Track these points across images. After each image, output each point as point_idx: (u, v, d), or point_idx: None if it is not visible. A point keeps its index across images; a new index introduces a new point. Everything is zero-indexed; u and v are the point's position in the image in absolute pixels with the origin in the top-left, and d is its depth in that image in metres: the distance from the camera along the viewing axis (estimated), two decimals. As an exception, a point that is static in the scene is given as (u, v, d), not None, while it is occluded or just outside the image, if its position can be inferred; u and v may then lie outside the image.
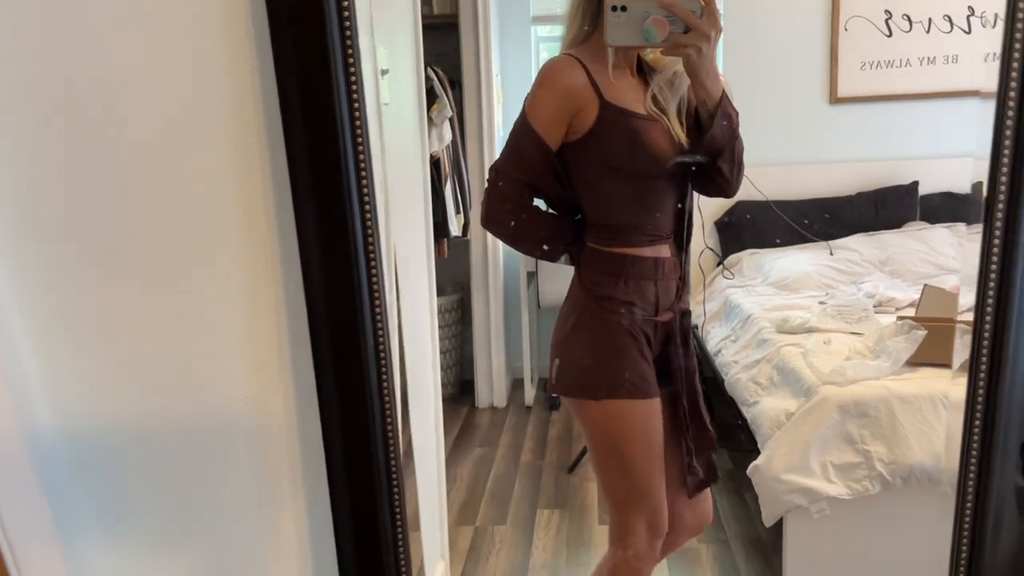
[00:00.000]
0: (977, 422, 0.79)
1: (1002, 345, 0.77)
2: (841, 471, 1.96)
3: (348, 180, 0.86)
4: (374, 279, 0.91)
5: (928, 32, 3.36)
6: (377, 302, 0.92)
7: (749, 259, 3.46)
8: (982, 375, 0.77)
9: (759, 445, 2.15)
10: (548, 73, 1.35)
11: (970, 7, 3.31)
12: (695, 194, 1.48)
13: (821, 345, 2.27)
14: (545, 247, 1.44)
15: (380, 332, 0.96)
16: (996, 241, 0.77)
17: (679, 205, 1.44)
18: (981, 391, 0.78)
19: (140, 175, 1.02)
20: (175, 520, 1.17)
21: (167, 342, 1.08)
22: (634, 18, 1.22)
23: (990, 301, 0.79)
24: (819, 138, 3.54)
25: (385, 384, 1.01)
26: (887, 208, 3.41)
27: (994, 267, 0.78)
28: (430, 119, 2.95)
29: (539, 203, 1.47)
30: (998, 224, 0.77)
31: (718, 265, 3.50)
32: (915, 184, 3.42)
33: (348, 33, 0.81)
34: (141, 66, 0.98)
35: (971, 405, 0.81)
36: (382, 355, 0.96)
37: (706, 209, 1.68)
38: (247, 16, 0.95)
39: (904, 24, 3.38)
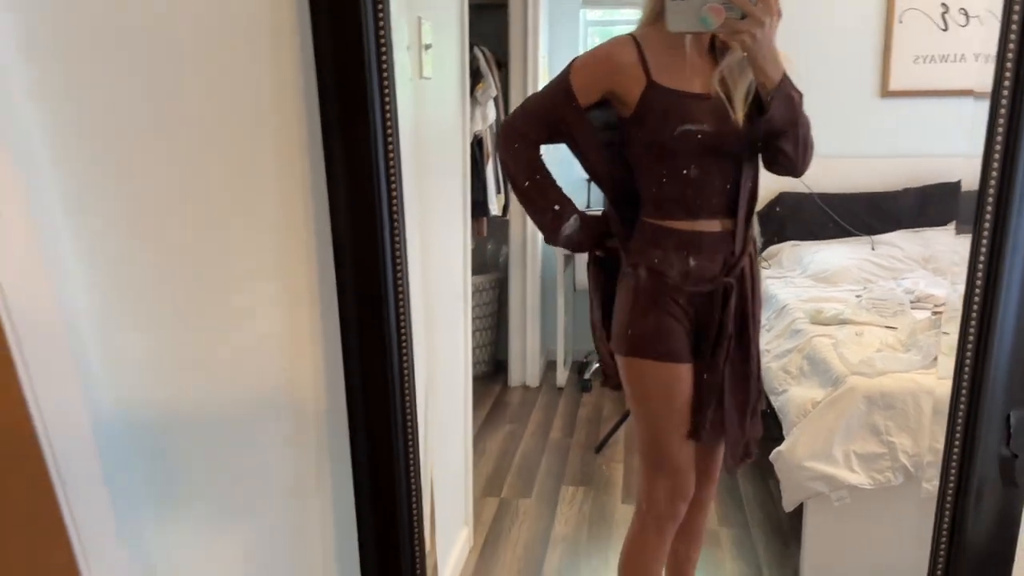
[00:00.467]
0: (963, 392, 0.81)
1: (990, 317, 0.79)
2: (864, 461, 1.96)
3: (376, 148, 0.90)
4: (397, 246, 0.96)
5: (984, 26, 3.29)
6: (399, 258, 0.96)
7: (789, 251, 3.44)
8: (969, 348, 0.79)
9: (784, 432, 2.16)
10: (602, 44, 1.49)
11: (1031, 2, 3.22)
12: (755, 175, 1.50)
13: (853, 336, 2.26)
14: (556, 207, 1.52)
15: (401, 302, 1.00)
16: (985, 234, 0.79)
17: (729, 183, 1.46)
18: (968, 362, 0.79)
19: (189, 149, 1.08)
20: (218, 497, 1.24)
21: (210, 324, 1.15)
22: (692, 5, 1.29)
23: (979, 276, 0.80)
24: (867, 132, 3.49)
25: (405, 358, 1.06)
26: (933, 205, 3.36)
27: (982, 257, 0.80)
28: (475, 98, 2.99)
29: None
30: (987, 221, 0.78)
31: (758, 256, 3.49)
32: (960, 182, 3.35)
33: (380, 5, 0.85)
34: (194, 37, 1.03)
35: (958, 375, 0.82)
36: (403, 328, 1.01)
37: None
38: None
39: (961, 18, 3.31)
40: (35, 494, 1.05)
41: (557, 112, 1.48)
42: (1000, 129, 0.79)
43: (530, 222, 3.57)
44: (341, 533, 1.27)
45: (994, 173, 0.79)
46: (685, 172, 1.44)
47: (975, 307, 0.81)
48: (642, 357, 1.51)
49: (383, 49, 0.87)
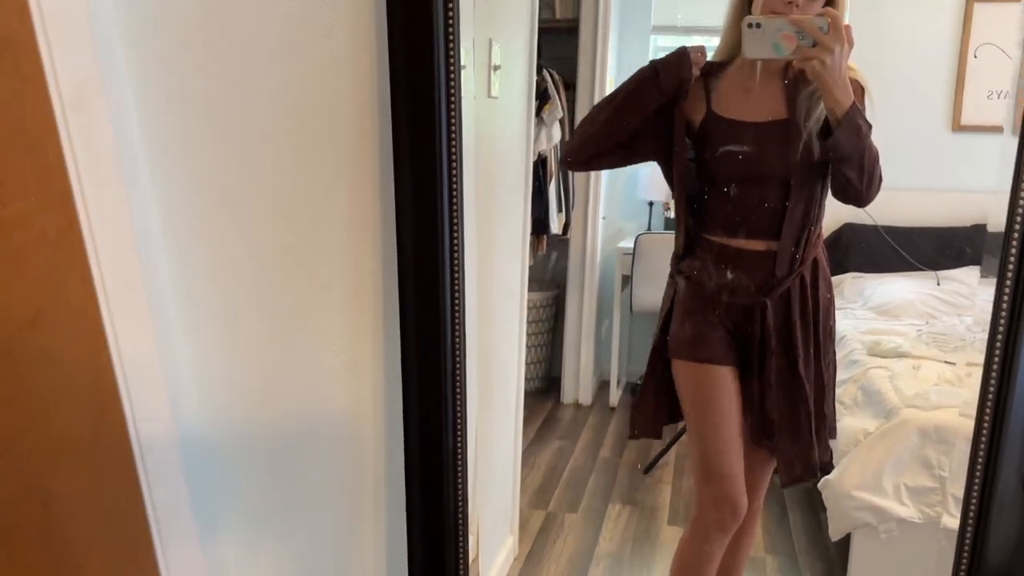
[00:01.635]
0: (986, 421, 0.83)
1: (1014, 350, 0.81)
2: (914, 494, 1.94)
3: (440, 160, 0.97)
4: (456, 254, 1.03)
5: (1060, 63, 3.22)
6: (457, 277, 1.02)
7: (851, 283, 3.41)
8: (993, 379, 0.80)
9: (834, 461, 2.15)
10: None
11: (1114, 39, 3.15)
12: (809, 200, 1.52)
13: (910, 370, 2.24)
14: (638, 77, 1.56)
15: (457, 314, 1.07)
16: (1009, 274, 0.81)
17: (775, 205, 1.51)
18: (991, 392, 0.81)
19: (267, 162, 1.16)
20: (272, 515, 1.32)
21: (279, 342, 1.23)
22: (767, 33, 1.36)
23: (1004, 311, 0.82)
24: (937, 165, 3.45)
25: (458, 373, 1.12)
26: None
27: (1007, 297, 0.82)
28: (541, 118, 3.06)
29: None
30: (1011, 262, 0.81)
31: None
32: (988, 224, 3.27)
33: (451, 28, 0.92)
34: (278, 53, 1.12)
35: (982, 404, 0.84)
36: (457, 356, 1.09)
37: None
38: (371, 14, 1.07)
39: (1039, 53, 3.25)
40: (124, 497, 1.12)
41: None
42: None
43: (590, 240, 3.63)
44: (391, 538, 1.34)
45: (1020, 211, 0.81)
46: (726, 190, 1.52)
47: (998, 344, 0.83)
48: (681, 359, 1.61)
49: (451, 69, 0.94)
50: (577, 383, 3.75)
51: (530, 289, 3.88)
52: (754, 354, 1.57)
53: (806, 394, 1.57)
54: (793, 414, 1.58)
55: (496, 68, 1.77)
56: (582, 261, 3.66)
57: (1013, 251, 0.82)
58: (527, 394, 3.80)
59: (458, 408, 1.19)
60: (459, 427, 1.20)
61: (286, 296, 1.21)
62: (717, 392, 1.56)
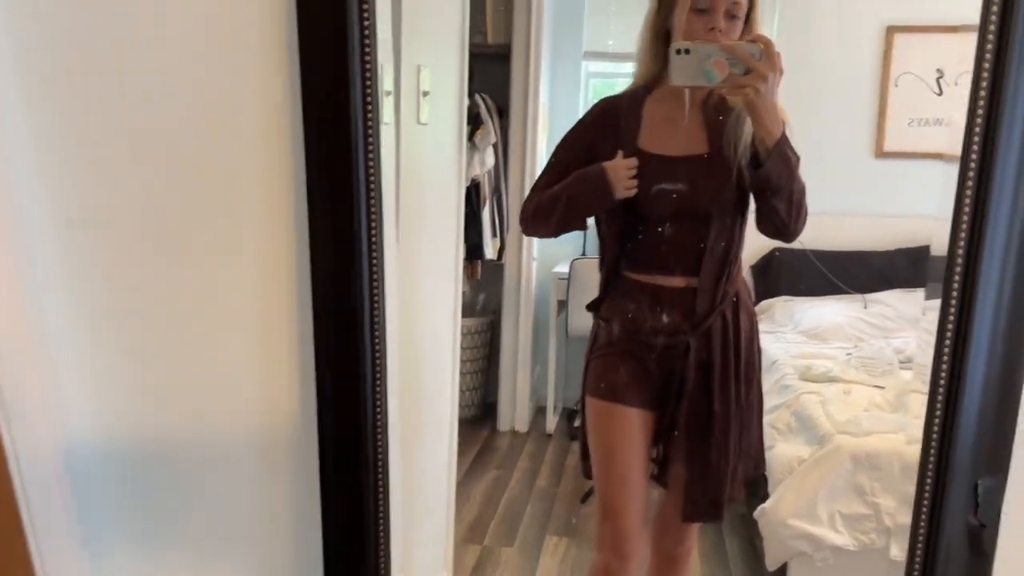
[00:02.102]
0: (931, 462, 0.81)
1: (959, 382, 0.79)
2: (849, 521, 1.94)
3: (358, 189, 0.91)
4: (375, 277, 0.97)
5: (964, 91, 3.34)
6: (377, 300, 0.96)
7: (782, 306, 3.45)
8: (937, 416, 0.79)
9: (769, 489, 2.14)
10: (587, 115, 1.57)
11: (1023, 71, 3.28)
12: (730, 237, 1.48)
13: (841, 395, 2.26)
14: (575, 180, 1.51)
15: (378, 345, 1.00)
16: (953, 300, 0.80)
17: (701, 242, 1.47)
18: (935, 432, 0.79)
19: (174, 172, 1.09)
20: (184, 532, 1.23)
21: (185, 351, 1.15)
22: (696, 60, 1.29)
23: (947, 344, 0.81)
24: (862, 191, 3.53)
25: (379, 410, 1.06)
26: (925, 265, 3.37)
27: (951, 317, 0.80)
28: (473, 143, 3.03)
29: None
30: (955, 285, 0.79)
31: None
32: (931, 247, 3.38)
33: (367, 50, 0.87)
34: (181, 66, 1.05)
35: (926, 443, 0.82)
36: (378, 375, 1.02)
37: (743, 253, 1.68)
38: (284, 31, 1.02)
39: (955, 84, 3.37)
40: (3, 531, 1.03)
41: (551, 179, 1.56)
42: (968, 192, 0.80)
43: (525, 266, 3.60)
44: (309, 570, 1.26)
45: (963, 235, 0.80)
46: (658, 228, 1.48)
47: (943, 375, 0.81)
48: (589, 395, 1.59)
49: (368, 96, 0.88)
50: (513, 410, 3.70)
51: (465, 315, 3.82)
52: (672, 394, 1.52)
53: (719, 435, 1.52)
54: (704, 453, 1.52)
55: (425, 94, 1.72)
56: (517, 286, 3.62)
57: (957, 277, 0.80)
58: (463, 422, 3.72)
59: (379, 446, 1.11)
60: (380, 469, 1.13)
61: (191, 323, 1.13)
62: (619, 434, 1.52)
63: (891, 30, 3.39)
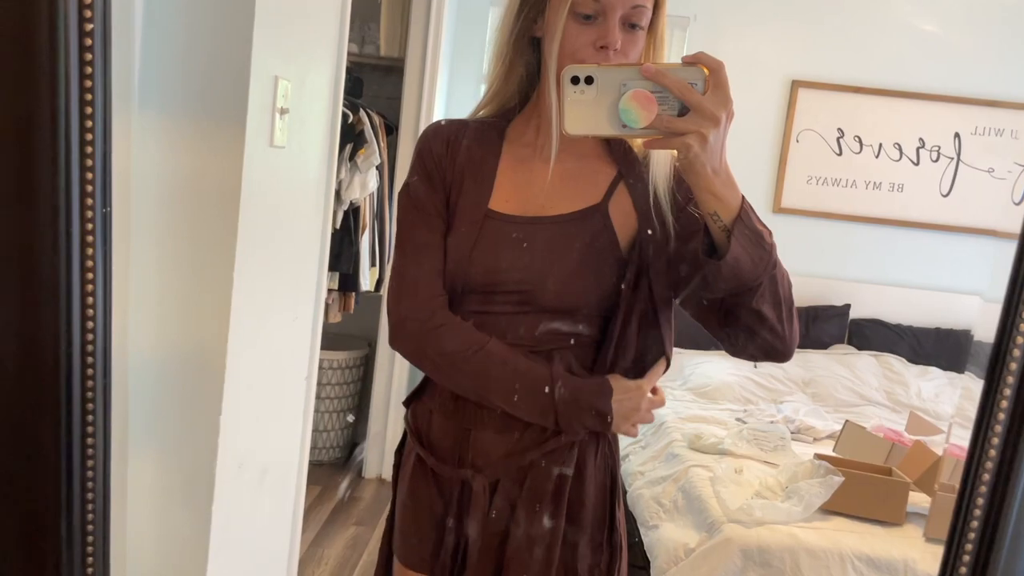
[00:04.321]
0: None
1: (996, 522, 0.58)
2: (736, 625, 1.76)
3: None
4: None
5: (877, 157, 3.32)
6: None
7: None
8: (967, 556, 0.58)
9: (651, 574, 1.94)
10: (415, 162, 1.09)
11: (921, 139, 3.29)
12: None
13: (732, 473, 2.09)
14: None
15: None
16: (1005, 400, 0.59)
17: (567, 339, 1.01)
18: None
19: None
20: None
21: None
22: (604, 93, 0.84)
23: (988, 466, 0.60)
24: (757, 245, 3.44)
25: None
26: (816, 327, 3.31)
27: (999, 427, 0.59)
28: (355, 163, 2.73)
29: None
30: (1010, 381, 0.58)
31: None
32: (847, 307, 3.34)
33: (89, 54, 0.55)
34: None
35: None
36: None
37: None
38: None
39: (855, 145, 3.33)
40: None
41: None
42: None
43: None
44: None
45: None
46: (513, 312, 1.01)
47: (977, 512, 0.59)
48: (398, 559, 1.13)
49: (88, 116, 0.56)
50: (383, 454, 3.39)
51: (335, 347, 3.50)
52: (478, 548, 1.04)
53: None
54: None
55: (283, 112, 1.43)
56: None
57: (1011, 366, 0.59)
58: (322, 466, 3.38)
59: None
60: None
61: None
62: None
63: (796, 84, 3.33)
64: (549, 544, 1.00)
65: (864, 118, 3.30)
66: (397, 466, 1.14)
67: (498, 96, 1.07)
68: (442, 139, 1.06)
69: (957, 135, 3.27)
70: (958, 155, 3.28)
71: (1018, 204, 3.27)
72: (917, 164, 3.29)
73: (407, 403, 1.13)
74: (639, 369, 1.01)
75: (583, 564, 1.02)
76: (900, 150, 3.31)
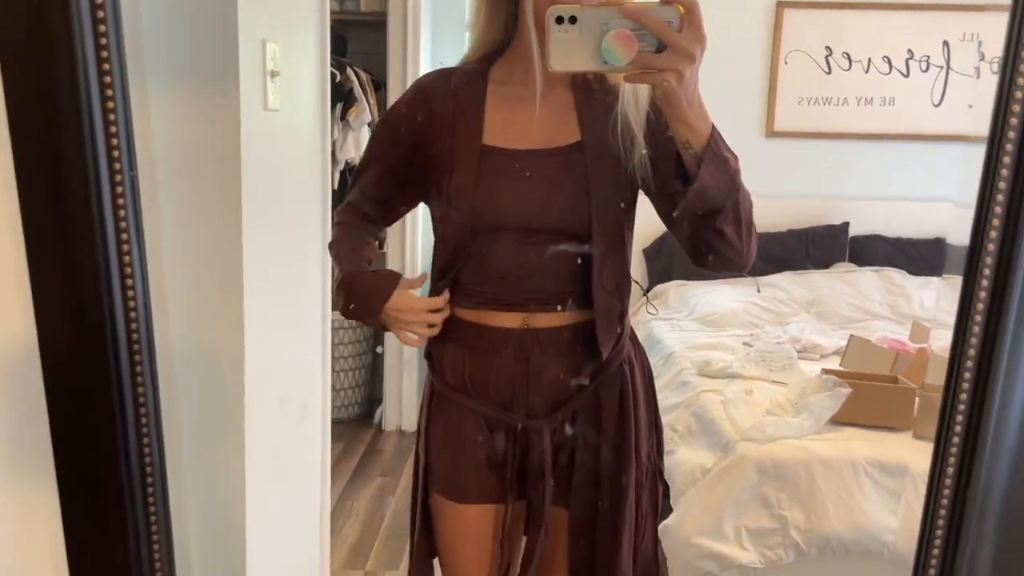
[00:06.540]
0: (944, 503, 0.64)
1: (980, 412, 0.62)
2: (755, 537, 1.82)
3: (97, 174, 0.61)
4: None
5: (867, 72, 3.31)
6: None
7: (676, 291, 3.35)
8: (954, 448, 0.62)
9: (671, 500, 2.01)
10: (407, 94, 1.21)
11: (910, 50, 3.27)
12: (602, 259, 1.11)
13: (742, 395, 2.14)
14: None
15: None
16: (981, 299, 0.63)
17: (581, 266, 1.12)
18: (951, 467, 0.63)
19: None
20: None
21: None
22: (588, 33, 0.90)
23: (969, 362, 0.64)
24: (753, 171, 3.40)
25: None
26: (817, 247, 3.34)
27: (977, 322, 0.64)
28: (347, 122, 2.74)
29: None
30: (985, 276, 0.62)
31: (643, 296, 3.37)
32: (846, 225, 3.36)
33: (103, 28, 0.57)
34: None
35: (931, 509, 0.65)
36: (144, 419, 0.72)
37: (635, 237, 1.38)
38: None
39: (844, 62, 3.32)
40: None
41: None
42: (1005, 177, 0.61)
43: (409, 254, 3.35)
44: None
45: (995, 223, 0.61)
46: (481, 248, 1.13)
47: (961, 405, 0.63)
48: (436, 492, 1.24)
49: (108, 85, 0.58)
50: (400, 407, 3.46)
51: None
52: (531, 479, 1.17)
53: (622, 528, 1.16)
54: (582, 547, 1.18)
55: (274, 75, 1.44)
56: (402, 271, 3.37)
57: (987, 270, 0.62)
58: (344, 423, 3.46)
59: (148, 465, 0.79)
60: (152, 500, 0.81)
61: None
62: (461, 538, 1.21)
63: (781, 5, 3.30)
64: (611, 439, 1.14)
65: (851, 34, 3.27)
66: (429, 403, 1.23)
67: (484, 41, 1.15)
68: (423, 91, 1.17)
69: (946, 43, 3.25)
70: (947, 63, 3.27)
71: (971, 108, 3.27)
72: (907, 76, 3.28)
73: (427, 355, 1.24)
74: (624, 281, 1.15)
75: (642, 451, 1.17)
76: (889, 63, 3.29)
